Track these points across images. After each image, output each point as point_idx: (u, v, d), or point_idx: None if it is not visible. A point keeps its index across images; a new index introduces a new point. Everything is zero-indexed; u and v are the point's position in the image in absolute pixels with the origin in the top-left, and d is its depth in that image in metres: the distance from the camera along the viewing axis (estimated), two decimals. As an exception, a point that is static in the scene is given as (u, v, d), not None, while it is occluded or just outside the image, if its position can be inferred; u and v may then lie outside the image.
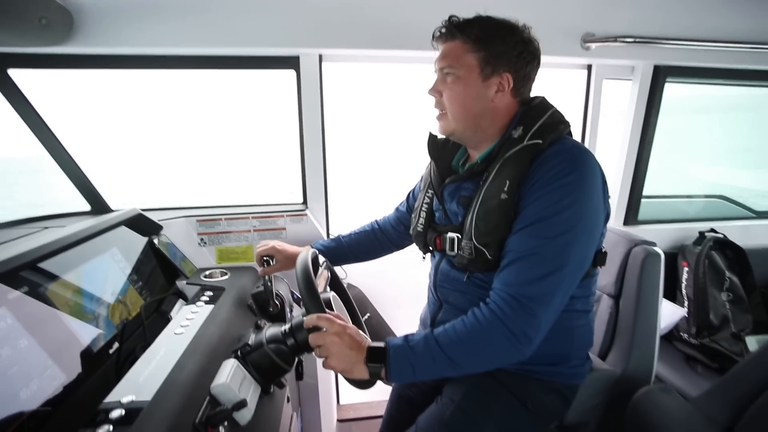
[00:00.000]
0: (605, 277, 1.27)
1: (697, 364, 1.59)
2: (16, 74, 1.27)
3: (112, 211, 1.47)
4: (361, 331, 0.85)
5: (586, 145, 1.75)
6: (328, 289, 1.06)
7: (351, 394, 1.92)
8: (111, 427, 0.64)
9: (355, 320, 1.15)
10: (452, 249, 0.93)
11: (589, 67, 1.68)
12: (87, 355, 0.83)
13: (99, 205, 1.46)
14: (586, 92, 1.71)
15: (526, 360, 0.90)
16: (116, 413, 0.67)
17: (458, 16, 0.89)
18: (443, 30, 0.89)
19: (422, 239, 1.03)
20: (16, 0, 0.98)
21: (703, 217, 2.00)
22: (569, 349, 0.94)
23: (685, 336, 1.66)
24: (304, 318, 0.87)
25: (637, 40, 1.46)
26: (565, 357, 0.93)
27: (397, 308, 1.96)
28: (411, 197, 1.26)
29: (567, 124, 0.88)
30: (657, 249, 1.18)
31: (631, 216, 1.82)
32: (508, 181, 0.80)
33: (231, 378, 0.81)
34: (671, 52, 1.56)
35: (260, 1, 1.29)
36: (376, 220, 1.34)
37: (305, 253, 0.99)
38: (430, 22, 0.92)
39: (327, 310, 0.88)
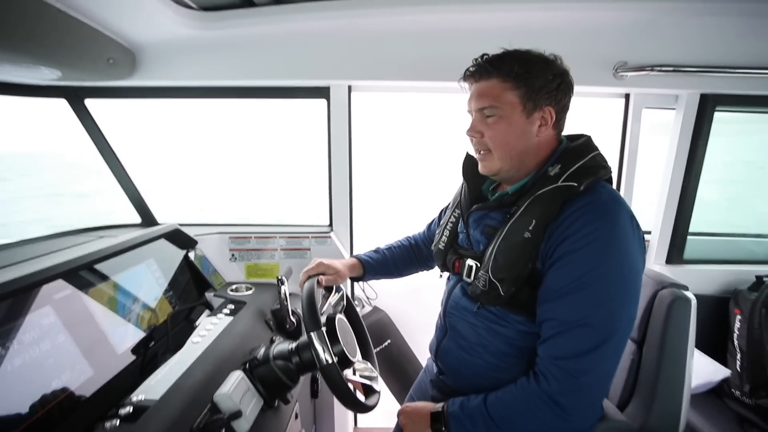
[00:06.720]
0: (630, 319, 1.18)
1: (753, 428, 1.40)
2: (90, 104, 1.49)
3: (158, 224, 1.63)
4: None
5: (623, 175, 1.67)
6: (338, 310, 1.09)
7: (368, 418, 1.91)
8: (117, 422, 0.71)
9: (364, 347, 1.16)
10: (469, 276, 0.90)
11: (627, 96, 1.62)
12: (115, 355, 0.92)
13: (149, 218, 1.63)
14: (623, 122, 1.64)
15: None
16: (125, 410, 0.74)
17: (488, 53, 0.85)
18: (474, 69, 0.85)
19: (442, 258, 1.01)
20: (89, 45, 1.16)
21: (763, 259, 1.79)
22: None
23: (737, 394, 1.48)
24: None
25: (677, 69, 1.39)
26: None
27: (426, 335, 1.92)
28: (443, 215, 1.22)
29: (607, 170, 0.82)
30: (688, 294, 1.08)
31: (675, 254, 1.68)
32: (535, 221, 0.77)
33: (234, 389, 0.86)
34: (719, 80, 1.46)
35: (294, 37, 1.42)
36: (409, 236, 1.31)
37: (314, 278, 1.04)
38: (454, 54, 0.91)
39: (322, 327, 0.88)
